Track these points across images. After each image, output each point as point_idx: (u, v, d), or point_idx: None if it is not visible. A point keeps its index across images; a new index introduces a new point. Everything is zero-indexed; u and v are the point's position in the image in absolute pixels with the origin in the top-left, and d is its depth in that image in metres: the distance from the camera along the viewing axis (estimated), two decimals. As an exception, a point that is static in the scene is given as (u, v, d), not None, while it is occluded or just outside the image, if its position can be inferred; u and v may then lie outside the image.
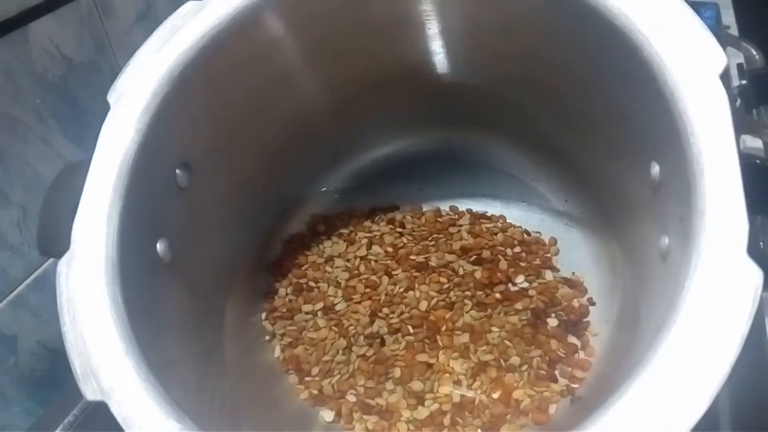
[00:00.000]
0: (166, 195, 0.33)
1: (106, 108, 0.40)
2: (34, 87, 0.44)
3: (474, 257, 0.42)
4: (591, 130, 0.38)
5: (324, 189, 0.48)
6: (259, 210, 0.44)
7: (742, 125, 0.70)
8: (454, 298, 0.40)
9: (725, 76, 0.24)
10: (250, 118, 0.38)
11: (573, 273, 0.41)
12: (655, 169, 0.29)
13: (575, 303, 0.39)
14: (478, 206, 0.46)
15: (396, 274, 0.42)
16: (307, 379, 0.39)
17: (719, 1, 0.90)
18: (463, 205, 0.46)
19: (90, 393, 0.25)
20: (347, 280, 0.42)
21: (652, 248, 0.29)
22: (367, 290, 0.42)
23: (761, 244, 0.27)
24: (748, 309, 0.21)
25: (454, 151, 0.47)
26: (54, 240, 0.29)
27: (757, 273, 0.20)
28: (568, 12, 0.31)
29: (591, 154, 0.39)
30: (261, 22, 0.34)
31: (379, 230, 0.45)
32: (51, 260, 0.46)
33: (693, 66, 0.25)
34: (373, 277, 0.42)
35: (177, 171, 0.33)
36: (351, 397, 0.37)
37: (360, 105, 0.43)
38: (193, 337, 0.34)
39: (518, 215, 0.45)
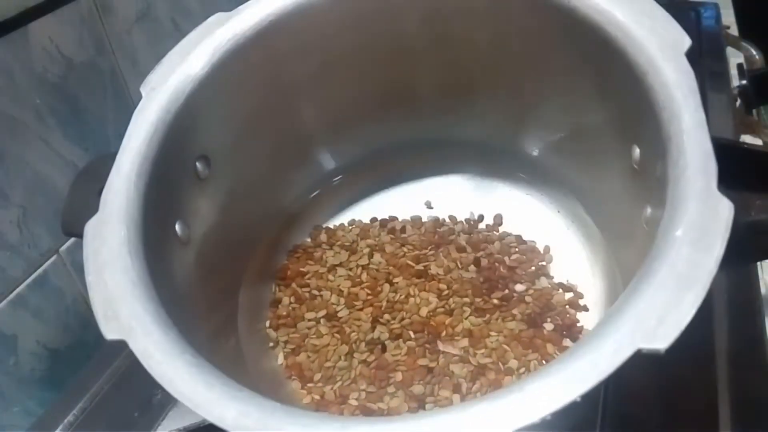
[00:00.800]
0: (187, 182, 0.36)
1: (106, 108, 0.41)
2: (34, 87, 0.44)
3: (472, 265, 0.43)
4: (575, 138, 0.40)
5: (326, 200, 0.49)
6: (265, 216, 0.45)
7: (742, 125, 0.70)
8: (453, 305, 0.41)
9: (691, 54, 0.27)
10: (262, 124, 0.41)
11: (567, 280, 0.41)
12: (636, 152, 0.31)
13: (569, 308, 0.40)
14: (475, 216, 0.47)
15: (397, 282, 0.42)
16: (309, 384, 0.39)
17: (719, 1, 0.90)
18: (461, 215, 0.47)
19: (110, 333, 0.27)
20: (349, 288, 0.43)
21: (638, 244, 0.30)
22: (369, 297, 0.42)
23: (752, 213, 0.28)
24: (722, 233, 0.23)
25: (450, 163, 0.48)
26: (78, 221, 0.31)
27: (728, 204, 0.23)
28: (553, 21, 0.34)
29: (576, 163, 0.41)
30: (279, 36, 0.38)
31: (380, 240, 0.45)
32: (51, 260, 0.46)
33: (660, 47, 0.28)
34: (375, 285, 0.43)
35: (197, 163, 0.37)
36: (353, 402, 0.37)
37: (363, 120, 0.45)
38: (204, 321, 0.36)
39: (514, 225, 0.46)
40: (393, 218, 0.47)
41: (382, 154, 0.48)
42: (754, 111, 0.80)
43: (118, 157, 0.32)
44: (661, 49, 0.28)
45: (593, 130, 0.38)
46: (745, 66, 0.81)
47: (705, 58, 0.77)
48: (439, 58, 0.42)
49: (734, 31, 0.88)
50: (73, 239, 0.48)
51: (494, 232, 0.45)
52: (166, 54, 0.36)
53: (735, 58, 0.82)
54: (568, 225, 0.44)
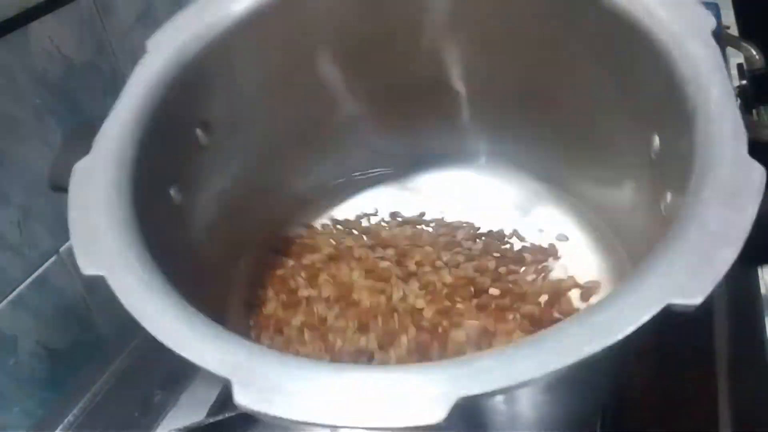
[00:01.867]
0: (185, 145, 0.34)
1: (106, 108, 0.41)
2: (34, 87, 0.44)
3: (472, 266, 0.41)
4: (591, 133, 0.38)
5: (316, 204, 0.47)
6: (259, 209, 0.43)
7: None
8: (449, 306, 0.38)
9: (716, 36, 0.27)
10: (269, 101, 0.39)
11: (570, 276, 0.40)
12: (656, 141, 0.30)
13: (575, 304, 0.39)
14: (475, 218, 0.45)
15: (386, 289, 0.40)
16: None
17: (719, 1, 0.90)
18: (464, 217, 0.45)
19: (89, 268, 0.25)
20: (336, 295, 0.41)
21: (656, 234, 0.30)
22: (357, 304, 0.39)
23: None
24: (754, 194, 0.22)
25: (454, 161, 0.47)
26: (66, 174, 0.30)
27: (760, 168, 0.23)
28: (579, 9, 0.33)
29: (590, 163, 0.40)
30: (299, 10, 0.36)
31: (369, 245, 0.43)
32: (51, 260, 0.46)
33: (686, 27, 0.27)
34: (363, 291, 0.40)
35: (198, 129, 0.35)
36: None
37: (371, 117, 0.44)
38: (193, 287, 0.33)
39: (518, 223, 0.44)
40: (391, 223, 0.46)
41: (380, 159, 0.47)
42: (754, 111, 0.80)
43: (115, 105, 0.31)
44: (686, 28, 0.28)
45: (610, 124, 0.36)
46: (745, 66, 0.81)
47: (705, 58, 0.76)
48: (460, 46, 0.41)
49: (734, 31, 0.88)
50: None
51: (496, 233, 0.44)
52: (178, 13, 0.34)
53: (735, 58, 0.82)
54: (581, 227, 0.42)
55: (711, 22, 0.27)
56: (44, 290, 0.46)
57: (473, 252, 0.42)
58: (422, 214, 0.46)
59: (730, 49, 0.82)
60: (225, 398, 0.43)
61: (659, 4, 0.29)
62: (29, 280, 0.45)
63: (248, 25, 0.34)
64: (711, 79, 0.26)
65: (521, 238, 0.44)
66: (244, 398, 0.21)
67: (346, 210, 0.47)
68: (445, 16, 0.39)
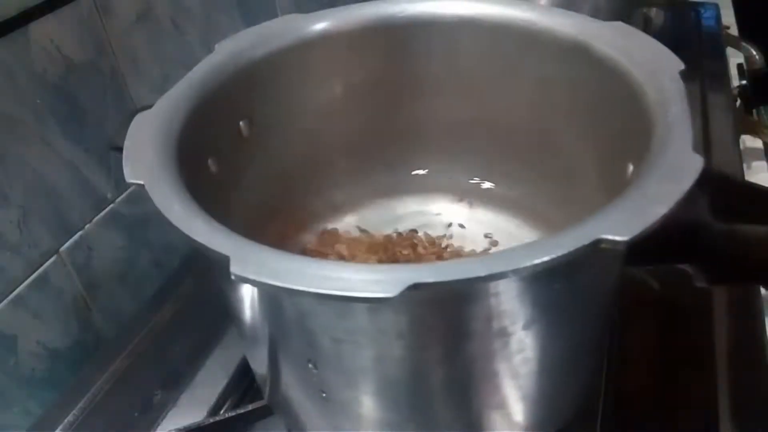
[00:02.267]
0: (227, 130, 0.40)
1: (106, 108, 0.41)
2: (34, 87, 0.44)
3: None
4: (578, 169, 0.41)
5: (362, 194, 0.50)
6: (294, 199, 0.47)
7: (742, 125, 0.70)
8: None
9: (683, 74, 0.32)
10: (304, 113, 0.44)
11: None
12: (630, 170, 0.33)
13: None
14: (475, 245, 0.47)
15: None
16: None
17: (719, 1, 0.90)
18: (468, 246, 0.46)
19: (131, 178, 0.29)
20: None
21: None
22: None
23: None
24: (692, 174, 0.25)
25: (451, 190, 0.50)
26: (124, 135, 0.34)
27: (700, 159, 0.26)
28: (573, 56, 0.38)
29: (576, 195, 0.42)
30: (340, 42, 0.43)
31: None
32: (51, 260, 0.46)
33: (657, 68, 0.33)
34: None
35: (241, 122, 0.40)
36: None
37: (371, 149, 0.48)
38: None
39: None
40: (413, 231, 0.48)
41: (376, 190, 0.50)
42: (754, 111, 0.81)
43: (177, 83, 0.36)
44: (657, 68, 0.33)
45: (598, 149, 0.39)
46: (745, 66, 0.81)
47: (705, 58, 0.77)
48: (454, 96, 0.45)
49: (734, 31, 0.89)
50: (72, 239, 0.48)
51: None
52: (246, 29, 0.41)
53: (735, 58, 0.82)
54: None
55: (679, 65, 0.32)
56: (44, 290, 0.46)
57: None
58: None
59: (730, 49, 0.82)
60: (225, 398, 0.43)
61: (638, 52, 0.34)
62: (29, 280, 0.45)
63: (292, 50, 0.41)
64: (671, 101, 0.30)
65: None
66: (238, 269, 0.24)
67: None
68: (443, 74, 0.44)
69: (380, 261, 0.44)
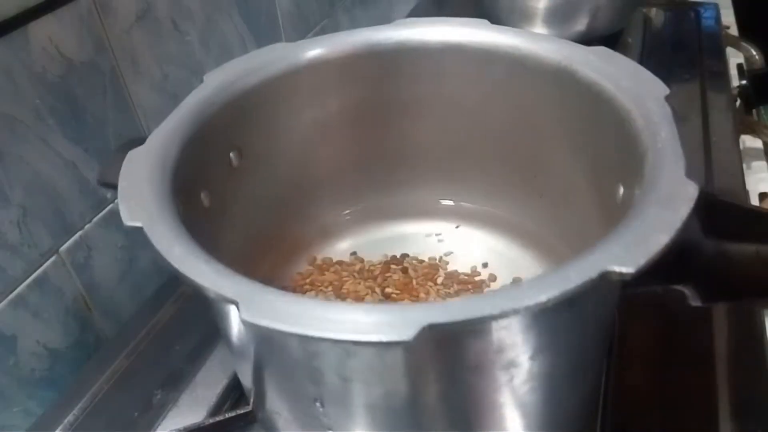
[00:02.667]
0: (218, 162, 0.40)
1: (106, 108, 0.41)
2: (34, 87, 0.44)
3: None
4: (567, 190, 0.42)
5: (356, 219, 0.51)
6: (285, 225, 0.47)
7: (742, 125, 0.70)
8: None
9: (668, 99, 0.33)
10: (291, 145, 0.44)
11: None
12: (620, 191, 0.34)
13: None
14: (467, 268, 0.47)
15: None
16: None
17: (719, 1, 0.91)
18: (461, 269, 0.47)
19: (129, 221, 0.30)
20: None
21: None
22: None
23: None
24: (687, 201, 0.26)
25: (442, 213, 0.50)
26: (116, 172, 0.33)
27: (694, 185, 0.27)
28: (560, 82, 0.39)
29: (567, 221, 0.44)
30: (328, 69, 0.43)
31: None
32: (51, 260, 0.46)
33: (643, 93, 0.33)
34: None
35: (231, 153, 0.41)
36: None
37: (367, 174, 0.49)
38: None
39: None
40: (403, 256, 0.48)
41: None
42: (754, 111, 0.81)
43: (168, 117, 0.36)
44: (643, 94, 0.33)
45: (579, 185, 0.41)
46: (745, 66, 0.81)
47: (705, 58, 0.77)
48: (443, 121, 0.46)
49: (734, 31, 0.89)
50: (72, 239, 0.48)
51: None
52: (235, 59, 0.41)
53: (735, 58, 0.82)
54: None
55: (664, 90, 0.33)
56: (44, 290, 0.46)
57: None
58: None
59: (730, 49, 0.82)
60: (225, 398, 0.43)
61: (623, 77, 0.35)
62: (29, 280, 0.45)
63: (280, 79, 0.41)
64: (660, 126, 0.31)
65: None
66: (247, 314, 0.24)
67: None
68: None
69: (371, 288, 0.45)
